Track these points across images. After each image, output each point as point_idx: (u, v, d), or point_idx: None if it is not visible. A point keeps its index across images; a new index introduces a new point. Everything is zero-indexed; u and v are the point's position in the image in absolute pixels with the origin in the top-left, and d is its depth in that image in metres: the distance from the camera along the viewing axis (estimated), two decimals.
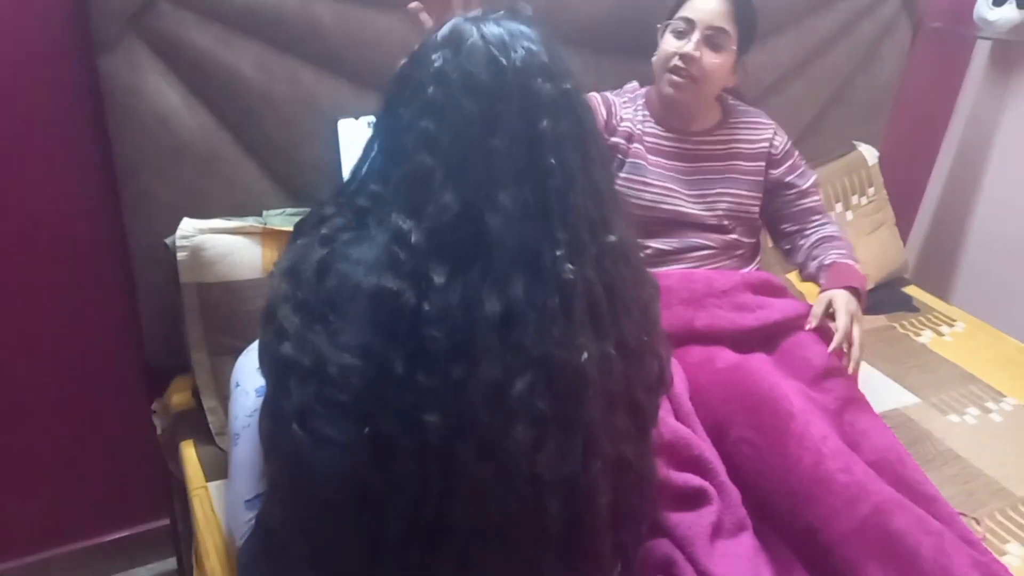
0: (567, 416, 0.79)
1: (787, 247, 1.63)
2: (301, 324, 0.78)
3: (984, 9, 1.99)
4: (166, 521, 1.71)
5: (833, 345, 1.37)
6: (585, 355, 0.79)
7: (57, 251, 1.45)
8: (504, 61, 0.78)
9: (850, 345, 1.39)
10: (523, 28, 0.81)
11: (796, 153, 1.63)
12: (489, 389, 0.75)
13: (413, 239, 0.75)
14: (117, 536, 1.74)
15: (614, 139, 1.52)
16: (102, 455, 1.65)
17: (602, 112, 1.52)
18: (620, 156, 1.52)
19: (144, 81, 1.29)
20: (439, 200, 0.76)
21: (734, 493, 1.16)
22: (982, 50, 2.22)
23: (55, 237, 1.44)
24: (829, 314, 1.42)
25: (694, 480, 1.15)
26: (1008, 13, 1.95)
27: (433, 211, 0.76)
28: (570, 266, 0.78)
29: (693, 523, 1.11)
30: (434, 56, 0.79)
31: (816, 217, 1.61)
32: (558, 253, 0.77)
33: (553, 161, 0.78)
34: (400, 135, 0.80)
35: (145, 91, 1.30)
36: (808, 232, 1.59)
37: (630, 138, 1.52)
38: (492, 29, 0.80)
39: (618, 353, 0.83)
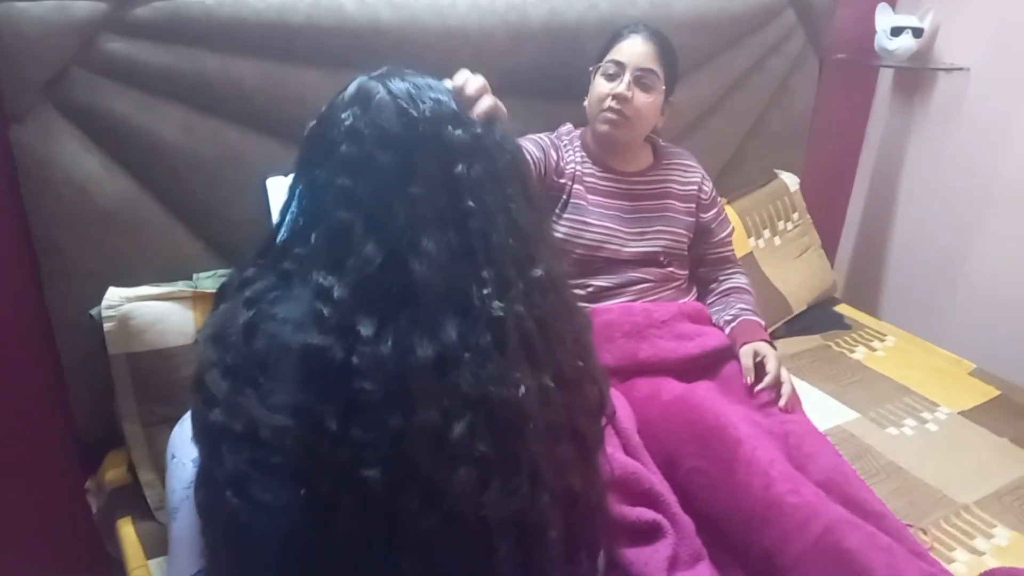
0: (510, 453, 0.79)
1: (700, 289, 1.71)
2: (230, 389, 0.76)
3: (883, 40, 2.11)
4: None
5: (763, 385, 1.44)
6: (523, 389, 0.79)
7: None
8: (414, 113, 0.81)
9: (780, 384, 1.45)
10: (429, 80, 0.85)
11: (720, 201, 1.72)
12: (428, 436, 0.75)
13: (336, 294, 0.76)
14: None
15: (561, 180, 1.55)
16: (34, 540, 1.56)
17: (552, 154, 1.55)
18: (564, 196, 1.55)
19: (60, 150, 1.26)
20: (360, 252, 0.77)
21: (688, 524, 1.17)
22: (885, 77, 2.34)
23: None
24: (758, 363, 1.48)
25: (647, 514, 1.15)
26: (906, 42, 2.07)
27: (355, 264, 0.76)
28: (498, 303, 0.79)
29: (650, 557, 1.11)
30: (344, 115, 0.82)
31: (729, 267, 1.71)
32: (485, 292, 0.79)
33: (472, 203, 0.80)
34: (317, 194, 0.82)
35: (61, 160, 1.26)
36: (721, 279, 1.69)
37: (572, 179, 1.55)
38: (398, 84, 0.83)
39: (556, 384, 0.84)
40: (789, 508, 1.15)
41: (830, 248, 2.37)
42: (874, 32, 2.13)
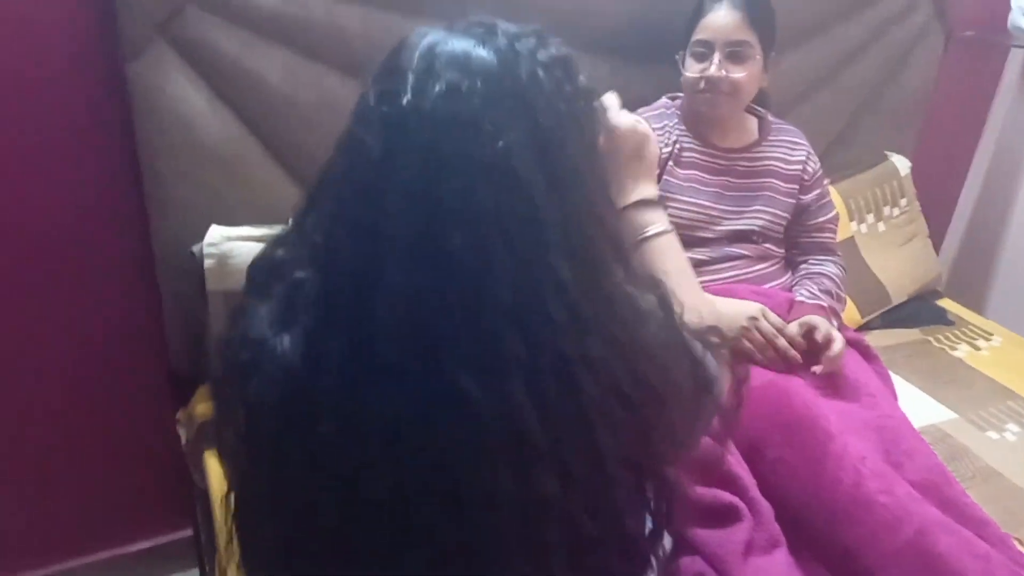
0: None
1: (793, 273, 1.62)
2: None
3: (1019, 18, 1.96)
4: (189, 532, 1.70)
5: (834, 351, 1.33)
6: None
7: (82, 257, 1.45)
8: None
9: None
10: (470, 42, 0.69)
11: (825, 182, 1.62)
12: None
13: None
14: (141, 546, 1.73)
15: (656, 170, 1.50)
16: (126, 464, 1.64)
17: None
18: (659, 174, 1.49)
19: (171, 85, 1.29)
20: None
21: (767, 509, 1.13)
22: (1016, 59, 2.18)
23: (80, 243, 1.44)
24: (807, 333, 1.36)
25: (724, 496, 1.12)
26: None
27: None
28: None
29: (724, 540, 1.08)
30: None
31: (822, 254, 1.59)
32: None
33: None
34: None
35: (172, 95, 1.30)
36: (811, 263, 1.58)
37: (667, 159, 1.50)
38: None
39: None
40: (879, 508, 1.10)
41: (937, 239, 2.25)
42: (1009, 8, 1.98)
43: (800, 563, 1.12)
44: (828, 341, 1.34)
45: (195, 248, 1.35)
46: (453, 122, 0.64)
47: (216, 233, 1.34)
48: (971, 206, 2.36)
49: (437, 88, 0.64)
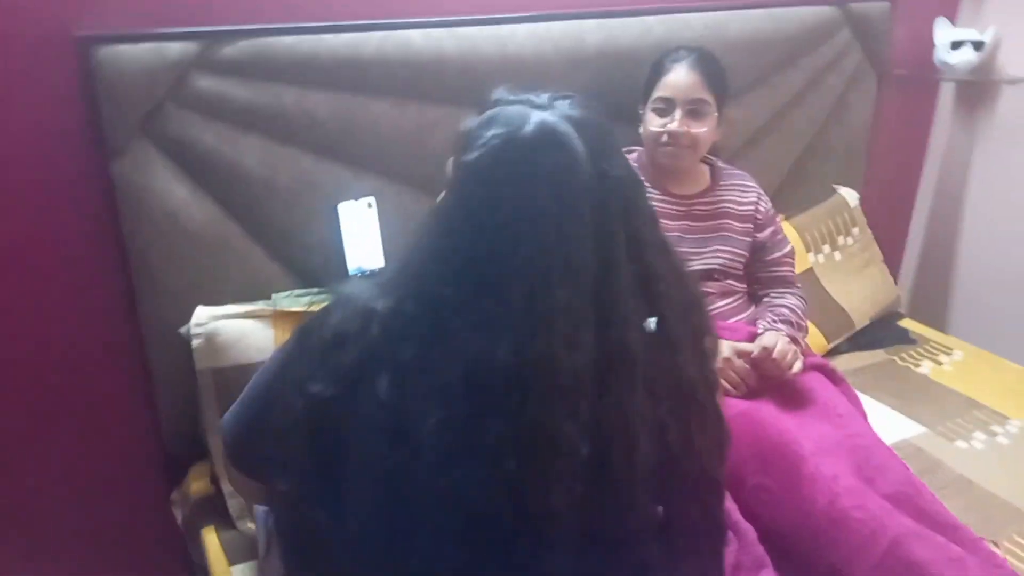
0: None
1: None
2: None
3: (943, 54, 2.09)
4: None
5: (755, 348, 1.42)
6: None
7: (74, 345, 1.49)
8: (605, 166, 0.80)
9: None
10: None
11: (778, 219, 1.71)
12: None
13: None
14: None
15: None
16: (120, 550, 1.65)
17: None
18: None
19: (154, 180, 1.36)
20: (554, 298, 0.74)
21: (750, 532, 1.18)
22: (947, 92, 2.32)
23: (71, 332, 1.48)
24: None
25: None
26: (966, 56, 2.05)
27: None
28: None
29: None
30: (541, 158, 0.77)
31: (782, 287, 1.66)
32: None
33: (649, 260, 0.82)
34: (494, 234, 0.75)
35: (155, 189, 1.37)
36: (772, 296, 1.65)
37: None
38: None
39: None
40: (855, 523, 1.15)
41: (894, 263, 2.34)
42: (933, 47, 2.12)
43: None
44: (783, 355, 1.41)
45: (183, 329, 1.40)
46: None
47: (202, 313, 1.40)
48: (923, 230, 2.46)
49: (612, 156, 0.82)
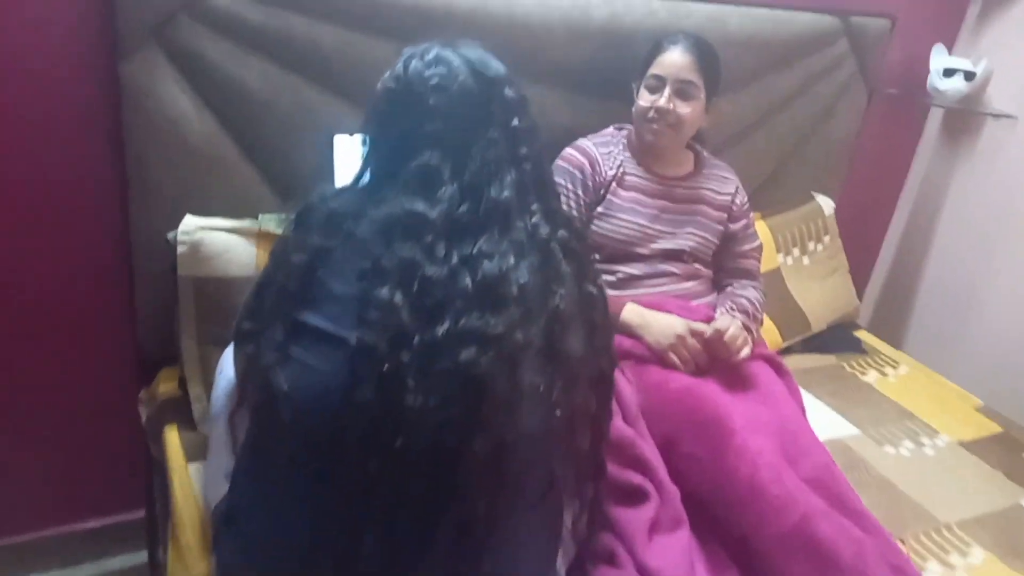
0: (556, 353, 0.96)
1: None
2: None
3: (936, 80, 2.16)
4: (141, 514, 1.75)
5: (709, 329, 1.49)
6: (559, 297, 0.96)
7: (62, 238, 1.53)
8: (487, 74, 1.00)
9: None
10: (481, 52, 1.03)
11: (752, 215, 1.78)
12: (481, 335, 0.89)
13: (431, 216, 0.92)
14: (93, 525, 1.78)
15: (601, 191, 1.65)
16: (85, 442, 1.70)
17: (586, 166, 1.65)
18: (604, 194, 1.65)
19: (160, 86, 1.41)
20: (449, 185, 0.94)
21: (673, 492, 1.27)
22: (935, 117, 2.39)
23: (61, 224, 1.52)
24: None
25: (635, 478, 1.25)
26: (957, 84, 2.12)
27: (445, 194, 0.93)
28: (545, 229, 0.98)
29: (633, 518, 1.21)
30: (428, 73, 0.99)
31: (746, 280, 1.73)
32: (533, 221, 0.97)
33: (525, 150, 0.99)
34: (404, 140, 0.98)
35: (160, 95, 1.41)
36: (734, 286, 1.73)
37: (611, 181, 1.65)
38: (469, 52, 1.01)
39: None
40: (770, 496, 1.23)
41: (862, 278, 2.41)
42: (927, 71, 2.18)
43: (704, 546, 1.26)
44: (734, 339, 1.49)
45: (170, 235, 1.45)
46: (505, 82, 1.02)
47: (191, 222, 1.45)
48: (894, 250, 2.55)
49: (492, 66, 1.02)
